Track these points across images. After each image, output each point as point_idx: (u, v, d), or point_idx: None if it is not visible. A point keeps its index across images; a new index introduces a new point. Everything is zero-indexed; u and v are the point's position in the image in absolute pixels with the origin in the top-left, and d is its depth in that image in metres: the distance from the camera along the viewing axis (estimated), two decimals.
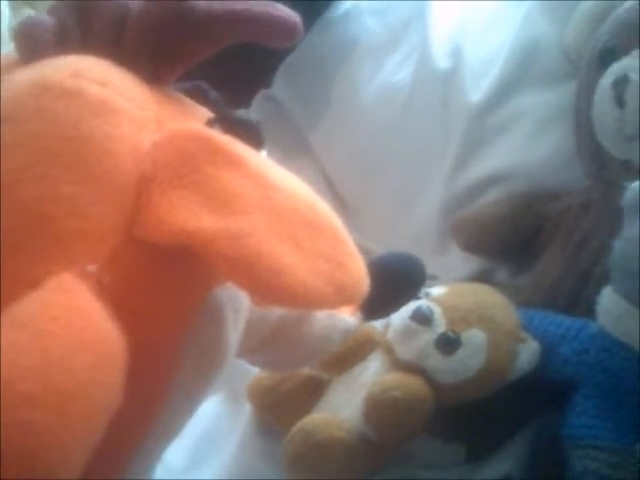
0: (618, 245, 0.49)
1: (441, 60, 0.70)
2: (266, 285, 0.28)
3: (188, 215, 0.28)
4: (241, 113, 0.38)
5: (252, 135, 0.35)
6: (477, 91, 0.67)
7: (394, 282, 0.46)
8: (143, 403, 0.30)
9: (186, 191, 0.28)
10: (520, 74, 0.66)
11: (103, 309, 0.27)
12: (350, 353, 0.55)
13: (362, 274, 0.31)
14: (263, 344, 0.39)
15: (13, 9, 0.81)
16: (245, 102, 0.85)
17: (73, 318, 0.25)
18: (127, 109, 0.30)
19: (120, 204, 0.29)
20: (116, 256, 0.28)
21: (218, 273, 0.30)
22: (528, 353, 0.52)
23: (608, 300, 0.49)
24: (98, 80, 0.30)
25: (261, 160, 0.31)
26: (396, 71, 0.73)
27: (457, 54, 0.69)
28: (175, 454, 0.55)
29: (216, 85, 0.89)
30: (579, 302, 0.55)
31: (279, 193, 0.30)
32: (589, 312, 0.51)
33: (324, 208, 0.31)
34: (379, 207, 0.73)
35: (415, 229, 0.70)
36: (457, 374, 0.50)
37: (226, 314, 0.32)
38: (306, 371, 0.56)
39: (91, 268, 0.28)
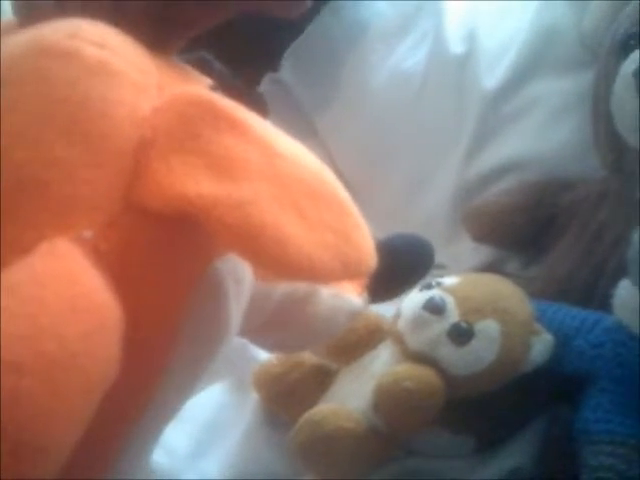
0: (636, 237, 0.48)
1: (455, 45, 0.69)
2: (269, 256, 0.27)
3: (188, 181, 0.27)
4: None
5: (256, 105, 0.34)
6: (492, 77, 0.66)
7: (402, 264, 0.45)
8: (141, 376, 0.29)
9: (187, 156, 0.27)
10: (536, 60, 0.65)
11: (99, 276, 0.26)
12: (359, 342, 0.54)
13: (369, 248, 0.30)
14: (267, 324, 0.38)
15: None
16: (252, 85, 0.83)
17: (65, 285, 0.24)
18: (126, 72, 0.29)
19: (117, 169, 0.28)
20: (113, 223, 0.27)
21: (219, 243, 0.29)
22: (542, 345, 0.51)
23: (626, 293, 0.48)
24: (96, 42, 0.29)
25: (266, 126, 0.30)
26: (408, 56, 0.72)
27: (471, 39, 0.68)
28: (180, 441, 0.54)
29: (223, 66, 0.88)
30: (594, 294, 0.54)
31: (284, 161, 0.29)
32: (604, 305, 0.50)
33: (331, 179, 0.30)
34: (388, 195, 0.72)
35: (425, 218, 0.69)
36: (469, 365, 0.49)
37: (227, 287, 0.31)
38: (314, 360, 0.55)
39: (87, 234, 0.27)
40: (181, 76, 0.33)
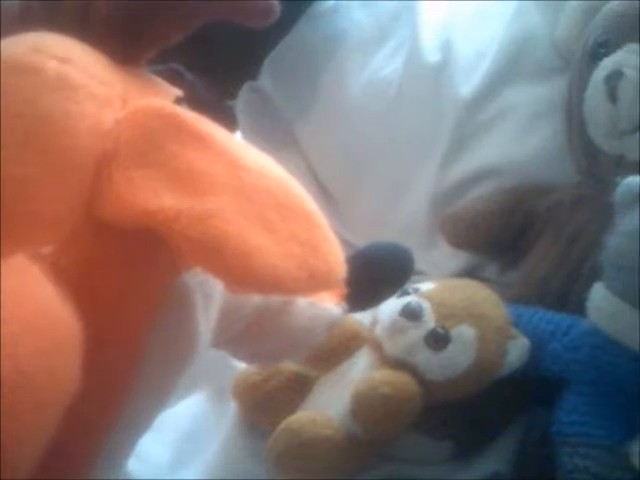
0: (610, 241, 0.49)
1: (431, 54, 0.69)
2: (234, 269, 0.26)
3: (150, 195, 0.27)
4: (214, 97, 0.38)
5: (224, 117, 0.34)
6: (467, 85, 0.66)
7: (381, 272, 0.45)
8: (108, 390, 0.29)
9: (149, 170, 0.27)
10: (511, 68, 0.66)
11: (57, 293, 0.26)
12: (337, 350, 0.54)
13: (338, 259, 0.30)
14: (242, 335, 0.38)
15: None
16: (231, 93, 0.84)
17: (21, 303, 0.24)
18: (88, 86, 0.29)
19: (77, 184, 0.28)
20: (74, 237, 0.27)
21: (184, 257, 0.29)
22: (518, 349, 0.51)
23: (599, 297, 0.49)
24: (58, 56, 0.29)
25: (231, 139, 0.30)
26: (385, 65, 0.72)
27: (447, 47, 0.69)
28: (159, 452, 0.54)
29: (202, 75, 0.88)
30: (569, 298, 0.55)
31: (249, 173, 0.29)
32: (579, 308, 0.51)
33: (298, 190, 0.30)
34: (366, 202, 0.72)
35: (403, 224, 0.69)
36: (446, 370, 0.50)
37: (195, 301, 0.31)
38: (292, 368, 0.55)
39: (46, 250, 0.27)
40: (148, 88, 0.33)
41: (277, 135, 0.79)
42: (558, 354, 0.51)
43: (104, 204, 0.27)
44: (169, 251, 0.28)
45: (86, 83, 0.29)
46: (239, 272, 0.27)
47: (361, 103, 0.72)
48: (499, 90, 0.66)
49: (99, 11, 0.33)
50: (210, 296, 0.32)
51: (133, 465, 0.52)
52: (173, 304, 0.30)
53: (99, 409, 0.29)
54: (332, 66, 0.76)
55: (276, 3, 0.34)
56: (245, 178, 0.28)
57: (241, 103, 0.82)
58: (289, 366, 0.55)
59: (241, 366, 0.56)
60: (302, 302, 0.39)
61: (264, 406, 0.54)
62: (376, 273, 0.44)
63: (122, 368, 0.29)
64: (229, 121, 0.34)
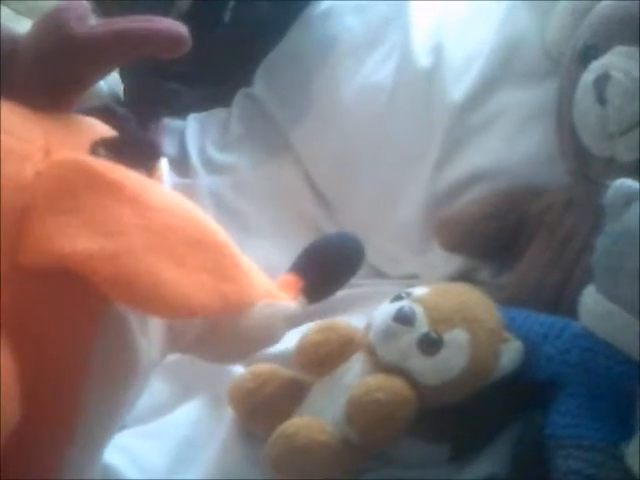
0: (600, 242, 0.49)
1: (422, 58, 0.70)
2: (146, 301, 0.30)
3: (65, 239, 0.30)
4: (140, 132, 0.42)
5: (146, 152, 0.38)
6: (458, 89, 0.67)
7: (333, 262, 0.48)
8: (56, 414, 0.32)
9: (64, 217, 0.30)
10: (501, 72, 0.66)
11: None
12: (332, 355, 0.54)
13: (249, 283, 0.34)
14: (202, 339, 0.40)
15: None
16: (225, 100, 0.84)
17: None
18: (7, 144, 0.32)
19: (1, 237, 0.30)
20: (4, 284, 0.30)
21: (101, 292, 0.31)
22: (511, 352, 0.52)
23: (591, 299, 0.49)
24: None
25: (141, 182, 0.33)
26: (377, 70, 0.73)
27: (438, 52, 0.69)
28: (156, 459, 0.54)
29: (196, 83, 0.89)
30: (562, 300, 0.55)
31: (158, 212, 0.32)
32: (572, 310, 0.51)
33: (207, 224, 0.33)
34: (361, 205, 0.73)
35: (397, 228, 0.70)
36: (440, 374, 0.50)
37: (129, 323, 0.34)
38: (287, 374, 0.55)
39: None
40: (71, 133, 0.36)
41: (272, 141, 0.80)
42: (551, 356, 0.51)
43: (26, 250, 0.30)
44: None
45: (6, 142, 0.32)
46: (152, 304, 0.30)
47: (354, 108, 0.72)
48: (490, 93, 0.66)
49: (21, 64, 0.36)
50: (144, 316, 0.35)
51: (130, 472, 0.52)
52: (108, 329, 0.33)
53: (51, 430, 0.32)
54: (325, 71, 0.76)
55: (185, 32, 0.36)
56: (154, 217, 0.31)
57: (236, 110, 0.83)
58: (284, 372, 0.55)
59: (237, 372, 0.57)
60: (257, 304, 0.42)
61: (260, 412, 0.54)
62: (328, 264, 0.48)
63: (67, 392, 0.32)
64: (153, 152, 0.38)
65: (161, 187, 0.35)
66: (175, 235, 0.32)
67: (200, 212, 0.34)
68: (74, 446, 0.33)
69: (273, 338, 0.45)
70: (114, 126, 0.38)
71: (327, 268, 0.47)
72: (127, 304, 0.31)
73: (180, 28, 0.36)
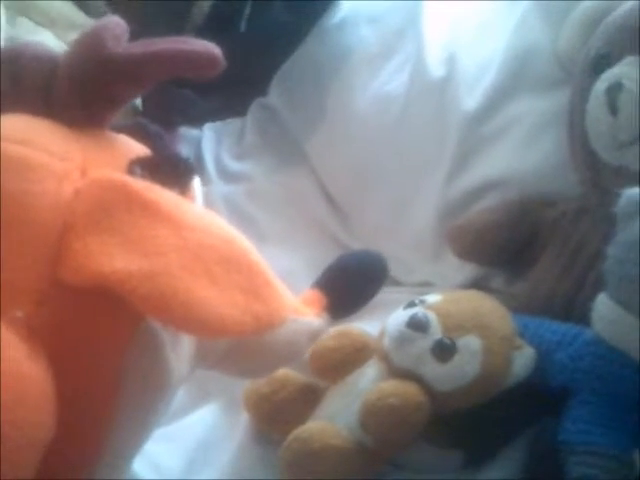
0: (612, 250, 0.49)
1: (435, 68, 0.70)
2: (182, 320, 0.30)
3: (104, 258, 0.31)
4: (174, 150, 0.43)
5: (181, 171, 0.38)
6: (471, 99, 0.67)
7: (356, 279, 0.49)
8: (88, 430, 0.33)
9: (102, 236, 0.31)
10: (514, 81, 0.67)
11: (27, 351, 0.29)
12: (346, 361, 0.55)
13: (280, 302, 0.35)
14: (229, 355, 0.41)
15: (8, 20, 0.82)
16: (241, 110, 0.85)
17: None
18: (47, 164, 0.33)
19: (42, 253, 0.32)
20: (44, 300, 0.31)
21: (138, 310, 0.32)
22: (524, 359, 0.52)
23: (603, 307, 0.49)
24: (19, 139, 0.33)
25: (176, 202, 0.34)
26: (391, 80, 0.73)
27: (451, 62, 0.70)
28: (173, 461, 0.55)
29: (212, 93, 0.90)
30: (574, 308, 0.55)
31: (192, 232, 0.33)
32: (584, 318, 0.51)
33: (241, 243, 0.34)
34: (375, 215, 0.73)
35: (411, 236, 0.70)
36: (453, 381, 0.50)
37: (162, 340, 0.35)
38: (302, 379, 0.56)
39: (19, 314, 0.31)
40: (108, 152, 0.37)
41: (287, 151, 0.81)
42: (564, 364, 0.51)
43: (66, 269, 0.31)
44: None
45: (45, 162, 0.33)
46: (187, 322, 0.31)
47: (368, 118, 0.73)
48: (503, 103, 0.66)
49: (60, 83, 0.37)
50: (177, 334, 0.36)
51: (147, 474, 0.53)
52: (141, 345, 0.34)
53: (82, 446, 0.33)
54: (339, 82, 0.77)
55: (219, 53, 0.37)
56: (189, 237, 0.32)
57: (251, 119, 0.84)
58: (299, 378, 0.56)
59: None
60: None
61: (275, 417, 0.55)
62: (352, 281, 0.49)
63: (100, 407, 0.33)
64: (187, 171, 0.39)
65: (195, 206, 0.36)
66: (209, 255, 0.32)
67: (233, 231, 0.35)
68: (104, 462, 0.34)
69: (297, 354, 0.46)
70: (147, 144, 0.39)
71: (351, 285, 0.48)
72: (163, 323, 0.32)
73: (214, 49, 0.37)
